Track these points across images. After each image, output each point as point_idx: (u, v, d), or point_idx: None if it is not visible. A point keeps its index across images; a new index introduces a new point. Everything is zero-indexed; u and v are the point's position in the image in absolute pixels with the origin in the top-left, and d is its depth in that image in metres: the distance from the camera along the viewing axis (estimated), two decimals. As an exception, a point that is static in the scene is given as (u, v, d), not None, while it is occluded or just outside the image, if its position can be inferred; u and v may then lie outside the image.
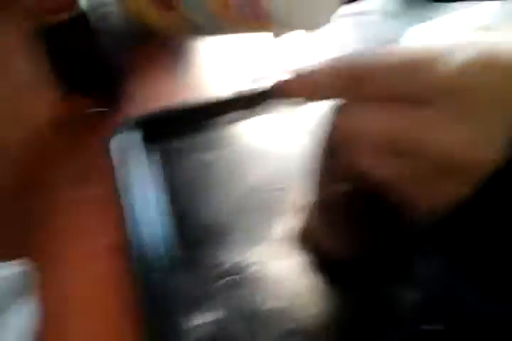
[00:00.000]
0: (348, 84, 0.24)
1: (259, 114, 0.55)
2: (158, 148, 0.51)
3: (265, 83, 0.55)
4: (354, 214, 0.34)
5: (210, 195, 0.46)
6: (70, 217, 0.45)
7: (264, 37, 0.57)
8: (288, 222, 0.42)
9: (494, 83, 0.21)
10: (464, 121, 0.21)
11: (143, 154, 0.50)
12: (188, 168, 0.49)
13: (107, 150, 0.51)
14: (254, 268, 0.41)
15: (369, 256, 0.35)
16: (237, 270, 0.41)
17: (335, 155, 0.29)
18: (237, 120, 0.55)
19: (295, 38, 0.57)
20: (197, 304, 0.37)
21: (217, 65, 0.67)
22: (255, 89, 0.55)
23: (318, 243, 0.38)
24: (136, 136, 0.51)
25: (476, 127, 0.21)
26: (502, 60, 0.21)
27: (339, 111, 0.25)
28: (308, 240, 0.39)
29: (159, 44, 0.70)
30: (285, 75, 0.26)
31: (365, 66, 0.23)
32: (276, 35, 0.56)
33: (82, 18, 0.54)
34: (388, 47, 0.23)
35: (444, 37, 0.23)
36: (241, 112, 0.55)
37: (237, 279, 0.40)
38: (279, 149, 0.51)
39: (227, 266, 0.41)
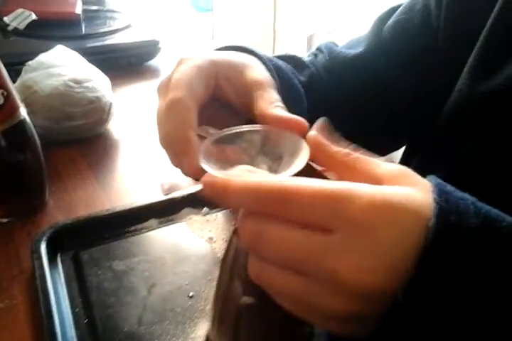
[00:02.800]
0: (272, 203, 0.27)
1: (172, 223, 0.59)
2: (72, 257, 0.53)
3: (177, 193, 0.60)
4: (253, 327, 0.35)
5: (123, 304, 0.47)
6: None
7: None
8: (200, 331, 0.44)
9: (388, 230, 0.26)
10: (367, 252, 0.26)
11: (57, 264, 0.51)
12: (102, 277, 0.50)
13: (20, 260, 0.52)
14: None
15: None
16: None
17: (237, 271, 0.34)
18: (150, 228, 0.58)
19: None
20: None
21: (134, 172, 0.70)
22: (168, 198, 0.60)
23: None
24: (50, 245, 0.52)
25: (376, 259, 0.25)
26: (394, 213, 0.26)
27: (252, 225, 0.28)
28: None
29: (77, 149, 0.72)
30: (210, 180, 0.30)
31: (290, 190, 0.27)
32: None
33: (19, 127, 0.55)
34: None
35: None
36: (155, 220, 0.58)
37: None
38: (190, 257, 0.53)
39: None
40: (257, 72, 0.41)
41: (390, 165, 0.30)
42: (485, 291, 0.25)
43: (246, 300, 0.34)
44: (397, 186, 0.28)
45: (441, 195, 0.27)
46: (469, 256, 0.25)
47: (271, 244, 0.27)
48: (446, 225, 0.26)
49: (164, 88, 0.40)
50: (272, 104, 0.37)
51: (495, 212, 0.27)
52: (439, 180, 0.29)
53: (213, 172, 0.32)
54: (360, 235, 0.26)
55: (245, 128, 0.37)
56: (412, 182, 0.28)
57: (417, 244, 0.26)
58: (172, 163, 0.40)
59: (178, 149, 0.36)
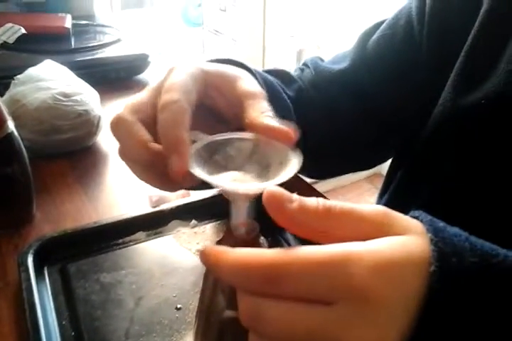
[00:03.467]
0: (265, 283, 0.26)
1: (160, 235, 0.58)
2: (59, 270, 0.52)
3: (165, 206, 0.60)
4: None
5: (111, 316, 0.47)
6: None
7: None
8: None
9: (392, 293, 0.25)
10: (372, 322, 0.25)
11: (44, 276, 0.51)
12: (89, 289, 0.50)
13: (7, 273, 0.52)
14: None
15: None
16: None
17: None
18: (138, 241, 0.58)
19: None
20: None
21: (122, 184, 0.70)
22: (156, 211, 0.59)
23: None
24: (37, 258, 0.51)
25: (383, 328, 0.25)
26: (395, 271, 0.25)
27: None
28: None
29: (65, 162, 0.73)
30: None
31: (278, 267, 0.26)
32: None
33: (6, 140, 0.55)
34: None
35: None
36: (143, 233, 0.58)
37: None
38: (177, 269, 0.53)
39: None
40: (249, 83, 0.42)
41: (371, 212, 0.28)
42: (488, 331, 0.25)
43: (229, 314, 0.34)
44: (390, 239, 0.26)
45: (436, 233, 0.27)
46: (473, 297, 0.25)
47: (271, 324, 0.26)
48: (448, 271, 0.25)
49: (154, 92, 0.40)
50: (262, 113, 0.37)
51: (488, 245, 0.27)
52: (429, 217, 0.29)
53: (202, 176, 0.33)
54: (363, 305, 0.25)
55: (235, 135, 0.37)
56: (402, 228, 0.27)
57: (417, 293, 0.25)
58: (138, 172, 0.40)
59: (170, 149, 0.35)
